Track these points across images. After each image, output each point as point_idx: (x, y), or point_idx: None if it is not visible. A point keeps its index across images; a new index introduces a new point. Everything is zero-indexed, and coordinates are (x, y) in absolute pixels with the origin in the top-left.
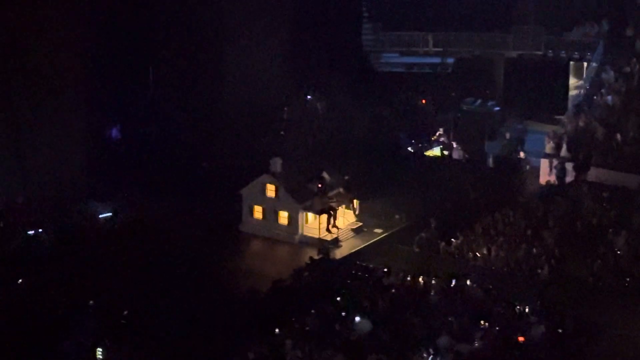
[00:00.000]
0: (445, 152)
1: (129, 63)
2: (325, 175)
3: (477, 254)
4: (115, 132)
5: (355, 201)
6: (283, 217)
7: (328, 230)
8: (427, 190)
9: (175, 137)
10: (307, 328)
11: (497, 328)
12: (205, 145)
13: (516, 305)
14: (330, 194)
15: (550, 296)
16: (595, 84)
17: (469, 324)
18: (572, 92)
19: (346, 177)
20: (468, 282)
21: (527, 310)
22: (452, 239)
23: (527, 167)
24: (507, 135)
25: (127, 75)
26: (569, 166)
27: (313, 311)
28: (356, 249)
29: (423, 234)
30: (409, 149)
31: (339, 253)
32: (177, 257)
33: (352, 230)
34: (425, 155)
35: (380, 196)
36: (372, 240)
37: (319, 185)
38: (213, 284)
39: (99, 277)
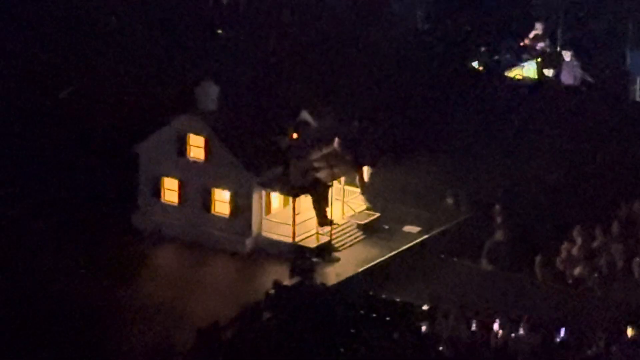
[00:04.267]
0: (547, 72)
1: None
2: (306, 117)
3: (609, 274)
4: None
5: (366, 170)
6: (222, 201)
7: (324, 223)
8: (507, 149)
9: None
10: None
11: None
12: (67, 50)
13: None
14: (317, 155)
15: None
16: None
17: None
18: None
19: (351, 123)
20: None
21: None
22: (562, 247)
23: None
24: None
25: None
26: None
27: None
28: (368, 265)
29: (500, 237)
30: (475, 64)
31: (335, 273)
32: (19, 283)
33: (361, 227)
34: (506, 77)
35: (415, 162)
36: (400, 249)
37: (294, 139)
38: (86, 337)
39: None
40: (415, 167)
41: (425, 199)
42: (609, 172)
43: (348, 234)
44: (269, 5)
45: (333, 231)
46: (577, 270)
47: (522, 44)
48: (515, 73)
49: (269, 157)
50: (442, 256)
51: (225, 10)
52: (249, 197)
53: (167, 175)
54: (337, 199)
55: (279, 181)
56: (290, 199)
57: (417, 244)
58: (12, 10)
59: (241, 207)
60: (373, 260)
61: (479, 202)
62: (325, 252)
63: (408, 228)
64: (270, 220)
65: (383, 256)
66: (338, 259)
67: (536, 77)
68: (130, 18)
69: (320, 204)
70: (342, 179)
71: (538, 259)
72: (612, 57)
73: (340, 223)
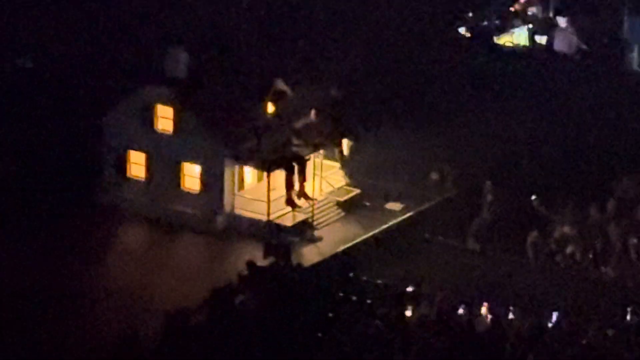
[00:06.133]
0: (539, 39)
1: None
2: (281, 85)
3: (604, 255)
4: None
5: (345, 143)
6: (191, 176)
7: (290, 203)
8: (497, 121)
9: None
10: None
11: None
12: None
13: None
14: (293, 126)
15: None
16: None
17: None
18: None
19: (330, 92)
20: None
21: None
22: (555, 226)
23: None
24: None
25: None
26: None
27: None
28: (349, 244)
29: (488, 215)
30: (461, 30)
31: (314, 253)
32: None
33: (341, 204)
34: (495, 45)
35: (399, 134)
36: (383, 227)
37: (271, 107)
38: (50, 322)
39: None
40: (399, 140)
41: (409, 174)
42: (605, 146)
43: (326, 212)
44: None
45: (312, 209)
46: (570, 250)
47: (512, 8)
48: (505, 40)
49: (242, 129)
50: (427, 235)
51: None
52: (220, 172)
53: (134, 149)
54: (315, 174)
55: (252, 155)
56: (265, 174)
57: (400, 222)
58: None
59: (212, 182)
60: (352, 240)
61: (467, 178)
62: (304, 230)
63: (391, 205)
64: (244, 197)
65: (363, 235)
66: (319, 239)
67: (527, 44)
68: None
69: (294, 180)
70: (321, 152)
71: (530, 238)
72: (608, 23)
73: (319, 199)
